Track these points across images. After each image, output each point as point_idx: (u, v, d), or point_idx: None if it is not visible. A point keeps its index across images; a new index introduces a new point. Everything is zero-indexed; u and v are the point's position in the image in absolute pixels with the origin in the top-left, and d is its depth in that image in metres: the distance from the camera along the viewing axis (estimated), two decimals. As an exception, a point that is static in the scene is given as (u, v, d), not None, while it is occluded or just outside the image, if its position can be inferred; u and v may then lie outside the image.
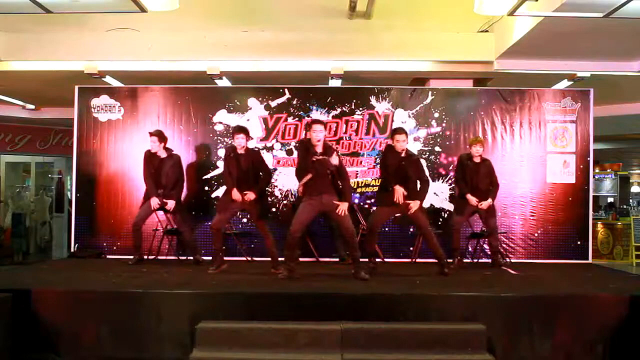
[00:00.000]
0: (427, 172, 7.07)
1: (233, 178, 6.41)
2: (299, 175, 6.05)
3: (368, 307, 5.13)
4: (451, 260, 7.06)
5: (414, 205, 6.24)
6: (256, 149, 6.71)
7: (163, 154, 7.23)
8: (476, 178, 7.08)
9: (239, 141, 6.47)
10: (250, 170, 6.45)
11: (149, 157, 7.26)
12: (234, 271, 6.69)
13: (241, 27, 7.53)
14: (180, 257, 7.72)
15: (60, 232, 12.16)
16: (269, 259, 6.74)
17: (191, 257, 7.41)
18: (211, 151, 8.20)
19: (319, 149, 5.98)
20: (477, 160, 7.14)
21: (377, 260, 6.93)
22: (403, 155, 6.35)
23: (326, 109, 8.19)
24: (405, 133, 6.45)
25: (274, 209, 8.00)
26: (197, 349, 4.75)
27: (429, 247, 6.64)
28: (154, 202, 7.08)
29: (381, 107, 8.20)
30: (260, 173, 6.56)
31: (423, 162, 7.48)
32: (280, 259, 6.43)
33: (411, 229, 7.99)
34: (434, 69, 7.89)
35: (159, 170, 7.17)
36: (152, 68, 7.84)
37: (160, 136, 7.25)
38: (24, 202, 12.36)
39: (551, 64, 7.57)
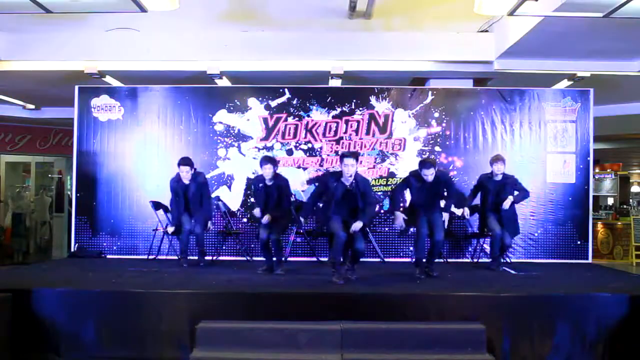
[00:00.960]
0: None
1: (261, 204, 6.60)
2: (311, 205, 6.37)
3: (368, 307, 5.14)
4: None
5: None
6: (283, 177, 6.76)
7: (187, 180, 7.08)
8: (495, 195, 6.95)
9: (267, 172, 6.50)
10: (278, 197, 6.55)
11: (175, 185, 7.13)
12: (234, 271, 6.70)
13: (241, 27, 7.53)
14: (180, 257, 7.70)
15: (60, 232, 12.15)
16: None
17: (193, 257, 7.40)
18: (211, 151, 8.19)
19: (348, 181, 5.92)
20: (497, 178, 7.00)
21: (378, 260, 6.90)
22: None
23: (326, 108, 8.19)
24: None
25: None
26: (197, 349, 4.76)
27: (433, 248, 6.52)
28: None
29: (381, 107, 8.21)
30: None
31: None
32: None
33: (411, 229, 7.97)
34: (434, 69, 7.89)
35: (187, 196, 7.08)
36: (152, 68, 7.84)
37: (192, 164, 7.12)
38: (24, 202, 12.35)
39: (551, 64, 7.56)
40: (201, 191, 7.12)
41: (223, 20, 7.38)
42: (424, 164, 6.33)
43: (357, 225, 5.82)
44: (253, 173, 7.94)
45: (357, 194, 5.92)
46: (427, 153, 8.11)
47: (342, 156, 6.01)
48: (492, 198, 6.97)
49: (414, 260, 6.72)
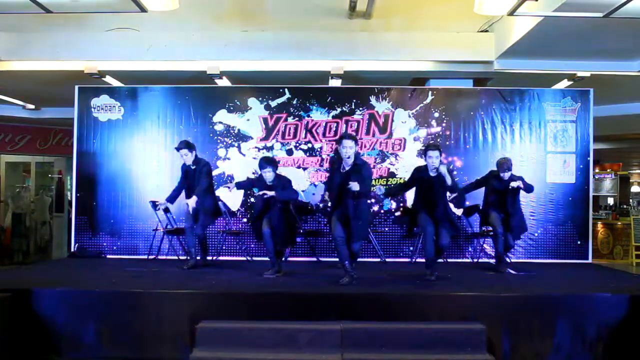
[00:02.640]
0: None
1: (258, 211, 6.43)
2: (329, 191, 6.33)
3: (368, 307, 5.14)
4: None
5: None
6: (284, 176, 6.49)
7: (190, 163, 6.89)
8: (500, 194, 6.84)
9: (268, 175, 6.28)
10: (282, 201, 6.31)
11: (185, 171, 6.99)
12: (234, 271, 6.69)
13: (241, 27, 7.53)
14: (180, 257, 7.71)
15: (60, 232, 12.15)
16: (269, 258, 6.73)
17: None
18: (211, 151, 8.18)
19: (348, 166, 5.81)
20: (505, 178, 6.82)
21: (379, 260, 6.81)
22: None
23: (326, 108, 8.19)
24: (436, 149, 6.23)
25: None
26: (197, 349, 4.76)
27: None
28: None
29: (381, 107, 8.20)
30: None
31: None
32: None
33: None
34: (434, 69, 7.89)
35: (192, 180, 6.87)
36: (152, 68, 7.83)
37: (190, 146, 6.86)
38: (24, 202, 12.34)
39: (551, 64, 7.56)
40: (200, 178, 6.74)
41: (223, 20, 7.38)
42: (428, 146, 6.25)
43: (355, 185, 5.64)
44: (253, 173, 7.94)
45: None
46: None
47: (341, 138, 5.94)
48: (496, 196, 6.85)
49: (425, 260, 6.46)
